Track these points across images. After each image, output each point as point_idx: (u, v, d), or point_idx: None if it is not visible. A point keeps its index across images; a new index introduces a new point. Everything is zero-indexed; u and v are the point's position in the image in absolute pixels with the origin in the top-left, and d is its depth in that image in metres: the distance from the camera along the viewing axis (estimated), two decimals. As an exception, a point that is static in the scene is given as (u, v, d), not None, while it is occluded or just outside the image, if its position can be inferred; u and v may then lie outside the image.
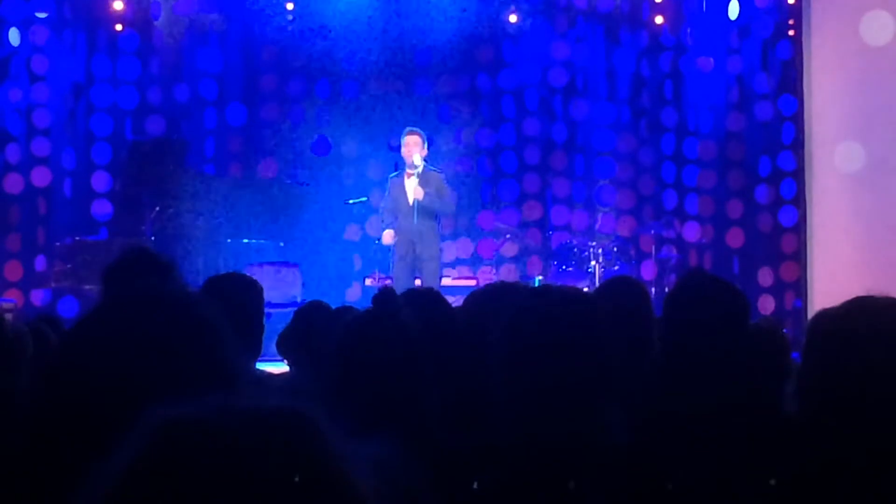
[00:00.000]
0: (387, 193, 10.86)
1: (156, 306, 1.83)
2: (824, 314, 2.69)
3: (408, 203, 10.47)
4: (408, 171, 10.59)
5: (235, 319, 3.50)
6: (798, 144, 11.87)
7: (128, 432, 1.10)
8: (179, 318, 1.80)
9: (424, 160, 10.54)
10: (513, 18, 13.48)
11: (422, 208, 10.39)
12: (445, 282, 11.37)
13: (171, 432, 1.05)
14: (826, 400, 2.58)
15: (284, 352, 4.54)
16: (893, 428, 2.47)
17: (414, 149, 10.52)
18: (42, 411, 1.82)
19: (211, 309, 1.85)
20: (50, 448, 1.77)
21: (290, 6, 13.12)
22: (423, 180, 10.47)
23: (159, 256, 3.75)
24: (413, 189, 10.43)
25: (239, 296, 3.90)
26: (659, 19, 13.46)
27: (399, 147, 10.91)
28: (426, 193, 10.41)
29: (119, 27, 13.01)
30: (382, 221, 11.07)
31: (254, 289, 4.07)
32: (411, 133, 10.69)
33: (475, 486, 2.35)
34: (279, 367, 4.83)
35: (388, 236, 10.73)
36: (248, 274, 4.43)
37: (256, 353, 4.01)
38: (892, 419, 2.48)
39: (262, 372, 4.24)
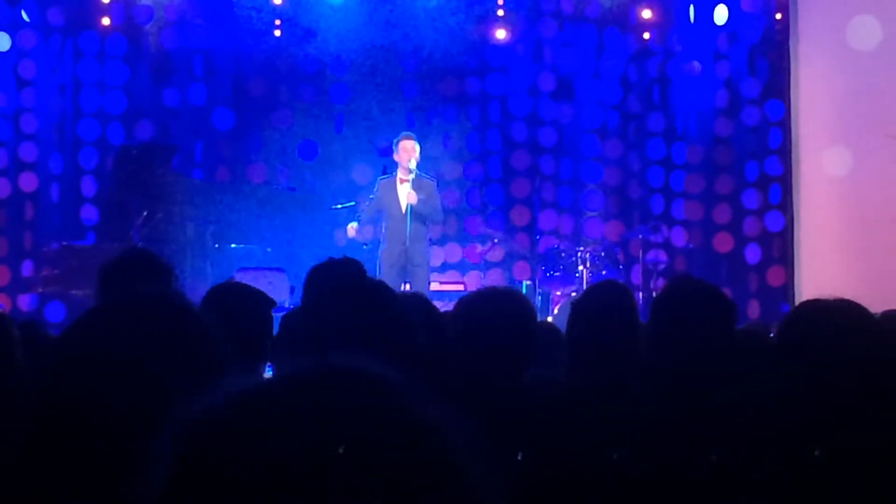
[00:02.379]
0: (375, 192, 10.80)
1: (154, 311, 1.83)
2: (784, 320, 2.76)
3: (400, 208, 10.42)
4: (401, 176, 10.54)
5: (241, 329, 3.51)
6: (785, 149, 11.92)
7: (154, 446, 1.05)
8: (177, 323, 1.81)
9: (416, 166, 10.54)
10: (500, 23, 13.48)
11: (414, 214, 10.37)
12: (434, 287, 11.35)
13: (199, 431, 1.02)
14: (791, 399, 2.62)
15: (272, 357, 4.53)
16: (850, 424, 2.51)
17: (411, 153, 10.49)
18: (39, 411, 1.83)
19: (207, 315, 1.86)
20: (47, 448, 1.77)
21: (277, 22, 13.14)
22: (417, 186, 10.44)
23: (158, 260, 3.76)
24: (406, 194, 10.41)
25: (244, 307, 3.89)
26: (647, 24, 13.48)
27: (387, 150, 10.85)
28: (419, 199, 10.39)
29: (106, 32, 12.98)
30: (357, 216, 11.04)
31: (262, 301, 4.07)
32: (408, 138, 10.64)
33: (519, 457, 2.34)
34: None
35: (351, 229, 10.78)
36: (236, 279, 4.44)
37: (263, 362, 4.02)
38: (847, 416, 2.52)
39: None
